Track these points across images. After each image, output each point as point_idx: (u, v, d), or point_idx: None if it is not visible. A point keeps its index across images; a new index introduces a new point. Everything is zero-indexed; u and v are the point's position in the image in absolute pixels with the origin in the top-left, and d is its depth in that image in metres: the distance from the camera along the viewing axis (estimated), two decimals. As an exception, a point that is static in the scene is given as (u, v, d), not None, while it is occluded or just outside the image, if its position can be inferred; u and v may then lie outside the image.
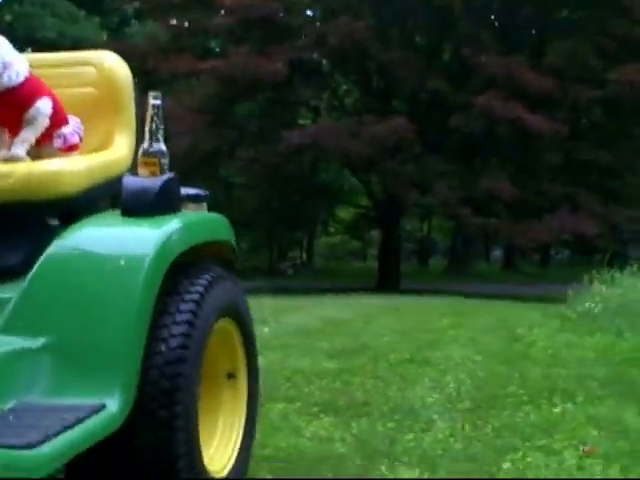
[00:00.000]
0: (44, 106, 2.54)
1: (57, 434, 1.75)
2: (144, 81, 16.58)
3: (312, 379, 4.91)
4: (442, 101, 20.19)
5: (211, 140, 20.04)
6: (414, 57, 20.58)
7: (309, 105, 23.62)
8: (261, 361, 5.38)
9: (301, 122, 23.30)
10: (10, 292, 2.18)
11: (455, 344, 6.91)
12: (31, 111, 2.52)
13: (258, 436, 3.34)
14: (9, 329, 2.10)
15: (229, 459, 2.62)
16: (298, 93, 21.31)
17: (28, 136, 2.52)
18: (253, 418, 2.81)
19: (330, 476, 2.56)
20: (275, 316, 9.50)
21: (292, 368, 5.37)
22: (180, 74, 20.95)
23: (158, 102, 2.45)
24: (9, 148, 2.52)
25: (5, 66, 2.45)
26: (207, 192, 2.71)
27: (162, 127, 2.46)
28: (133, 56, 18.37)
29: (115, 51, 2.93)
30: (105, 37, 23.09)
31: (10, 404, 1.91)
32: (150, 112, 2.44)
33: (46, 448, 1.69)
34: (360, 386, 4.70)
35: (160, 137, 2.45)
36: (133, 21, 25.19)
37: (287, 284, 20.70)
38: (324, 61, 22.81)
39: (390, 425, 3.72)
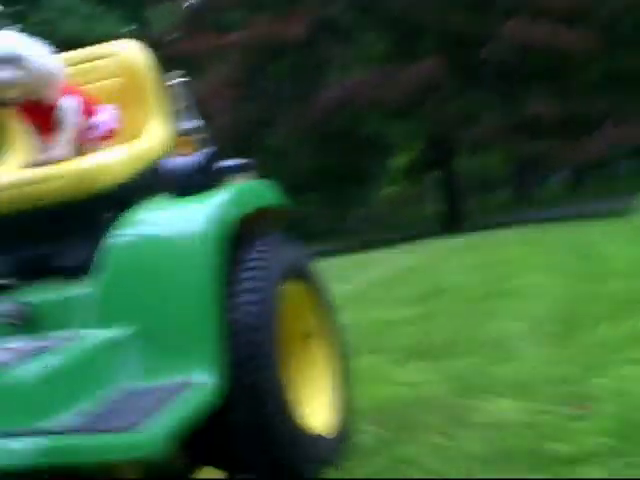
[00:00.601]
0: (70, 104, 2.56)
1: (159, 413, 1.79)
2: (170, 65, 16.62)
3: (394, 327, 4.92)
4: (468, 34, 19.69)
5: (249, 112, 20.08)
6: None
7: (337, 61, 23.42)
8: (343, 317, 5.47)
9: (332, 80, 23.13)
10: (84, 288, 2.24)
11: (531, 270, 6.81)
12: (58, 112, 2.54)
13: (352, 390, 3.38)
14: (92, 323, 2.16)
15: (329, 415, 2.63)
16: (324, 50, 21.11)
17: (64, 138, 2.54)
18: (345, 372, 2.82)
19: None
20: (349, 273, 9.56)
21: (374, 319, 5.39)
22: (203, 52, 20.94)
23: (178, 81, 2.45)
24: (46, 151, 2.55)
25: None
26: (253, 160, 2.71)
27: (189, 104, 2.46)
28: (155, 42, 18.54)
29: (139, 40, 2.94)
30: (127, 29, 23.19)
31: (109, 392, 1.98)
32: (173, 93, 2.44)
33: (153, 428, 1.73)
34: (442, 327, 4.68)
35: (190, 115, 2.45)
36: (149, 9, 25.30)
37: (354, 241, 20.74)
38: (346, 16, 22.50)
39: (477, 360, 3.69)
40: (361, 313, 5.79)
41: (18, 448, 1.45)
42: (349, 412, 2.78)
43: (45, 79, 2.48)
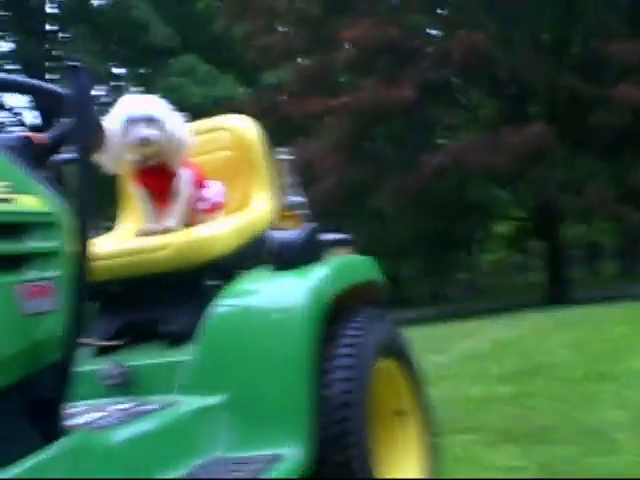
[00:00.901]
0: (186, 174, 2.69)
1: None
2: (281, 129, 17.02)
3: (488, 406, 4.82)
4: (578, 98, 19.37)
5: (354, 175, 20.26)
6: (542, 56, 19.91)
7: (444, 125, 23.43)
8: (436, 391, 5.40)
9: (439, 143, 23.12)
10: (184, 354, 2.31)
11: (635, 353, 6.56)
12: (176, 181, 2.67)
13: (441, 469, 3.32)
14: (188, 389, 2.23)
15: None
16: (430, 114, 21.19)
17: (178, 208, 2.67)
18: (434, 451, 2.80)
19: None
20: (445, 344, 9.44)
21: (467, 396, 5.30)
22: (313, 115, 21.33)
23: (287, 157, 2.55)
24: (158, 219, 2.68)
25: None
26: (352, 235, 2.76)
27: (295, 180, 2.54)
28: (267, 106, 19.05)
29: (252, 103, 3.06)
30: (241, 90, 23.94)
31: (198, 459, 2.01)
32: (281, 167, 2.54)
33: None
34: (538, 409, 4.55)
35: (295, 190, 2.54)
36: (264, 72, 26.16)
37: (454, 308, 20.48)
38: (452, 78, 22.57)
39: (574, 449, 3.56)
40: (455, 389, 5.71)
41: None
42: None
43: (177, 146, 2.61)
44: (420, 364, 2.88)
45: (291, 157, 2.57)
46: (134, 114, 2.55)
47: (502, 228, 30.48)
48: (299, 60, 24.11)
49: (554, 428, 4.01)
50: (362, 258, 2.79)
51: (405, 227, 25.10)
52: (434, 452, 2.81)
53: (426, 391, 2.86)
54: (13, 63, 25.15)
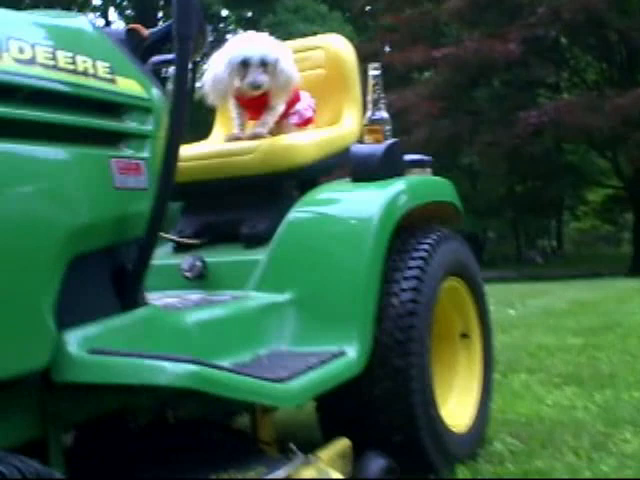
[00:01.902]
0: None
1: (303, 373, 1.94)
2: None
3: (556, 353, 4.86)
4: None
5: (448, 128, 20.04)
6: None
7: (547, 83, 22.84)
8: (505, 338, 5.47)
9: (541, 102, 22.56)
10: (260, 255, 2.42)
11: None
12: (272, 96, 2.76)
13: (499, 402, 3.39)
14: (260, 286, 2.34)
15: (467, 416, 2.70)
16: (534, 72, 20.69)
17: (269, 119, 2.77)
18: (489, 378, 2.87)
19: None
20: (521, 299, 9.43)
21: (536, 344, 5.34)
22: (414, 65, 21.11)
23: (377, 72, 2.61)
24: (251, 128, 2.79)
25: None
26: (430, 158, 2.82)
27: (383, 96, 2.61)
28: (370, 50, 18.91)
29: (355, 48, 3.12)
30: (348, 31, 23.80)
31: (263, 350, 2.14)
32: (371, 82, 2.61)
33: (294, 383, 1.88)
34: (606, 360, 4.56)
35: (382, 106, 2.61)
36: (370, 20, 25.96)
37: (536, 272, 20.21)
38: (560, 37, 21.92)
39: (635, 395, 3.58)
40: (526, 337, 5.75)
41: (174, 370, 1.58)
42: (487, 417, 2.84)
43: (285, 84, 2.69)
44: (492, 315, 2.94)
45: (379, 72, 2.63)
46: (248, 56, 2.62)
47: (594, 196, 29.70)
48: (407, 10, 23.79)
49: (619, 376, 4.02)
50: (440, 179, 2.85)
51: (495, 186, 24.76)
52: (489, 377, 2.87)
53: (489, 318, 2.92)
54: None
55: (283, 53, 2.69)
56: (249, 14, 26.36)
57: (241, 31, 25.49)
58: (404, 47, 21.00)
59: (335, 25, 23.32)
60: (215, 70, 2.67)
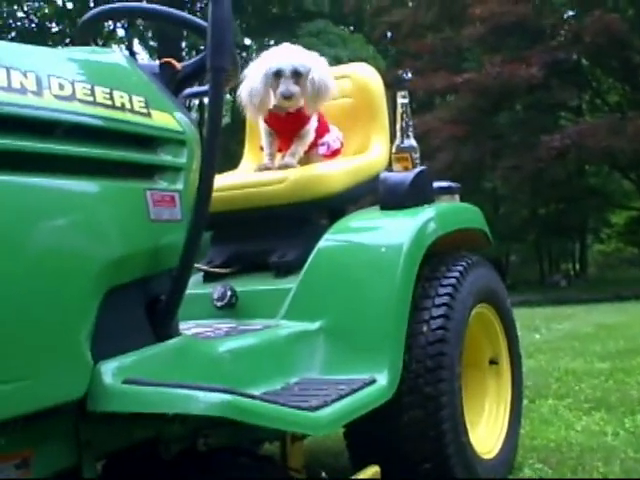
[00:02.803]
0: (313, 121, 2.82)
1: (334, 401, 1.94)
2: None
3: (583, 378, 4.83)
4: None
5: (471, 152, 20.04)
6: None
7: (569, 107, 22.80)
8: (531, 363, 5.43)
9: (563, 125, 22.50)
10: (290, 283, 2.44)
11: None
12: (306, 127, 2.80)
13: (527, 428, 3.38)
14: (291, 315, 2.36)
15: (496, 442, 2.70)
16: (556, 95, 20.67)
17: (299, 149, 2.80)
18: (518, 404, 2.87)
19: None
20: (546, 323, 9.37)
21: (563, 368, 5.32)
22: (437, 91, 21.18)
23: (406, 101, 2.65)
24: (281, 157, 2.82)
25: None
26: (459, 185, 2.84)
27: (411, 124, 2.64)
28: (391, 80, 18.98)
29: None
30: (371, 51, 23.86)
31: (295, 379, 2.15)
32: (400, 111, 2.64)
33: (326, 412, 1.88)
34: (635, 384, 4.52)
35: (410, 133, 2.64)
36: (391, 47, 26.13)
37: (560, 296, 20.04)
38: (582, 59, 21.89)
39: (667, 421, 3.57)
40: (552, 362, 5.72)
41: (207, 399, 1.58)
42: (516, 443, 2.84)
43: (319, 94, 2.70)
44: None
45: (407, 100, 2.66)
46: (281, 67, 2.66)
47: (618, 218, 29.50)
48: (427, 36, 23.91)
49: (649, 402, 4.00)
50: (468, 206, 2.87)
51: (517, 209, 24.67)
52: (518, 404, 2.87)
53: (518, 344, 2.92)
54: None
55: (317, 63, 2.72)
56: (271, 42, 26.60)
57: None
58: (426, 73, 21.08)
59: (357, 47, 23.38)
60: (251, 82, 2.70)
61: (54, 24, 25.52)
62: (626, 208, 26.42)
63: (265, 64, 2.70)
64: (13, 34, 23.92)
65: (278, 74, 2.66)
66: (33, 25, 25.39)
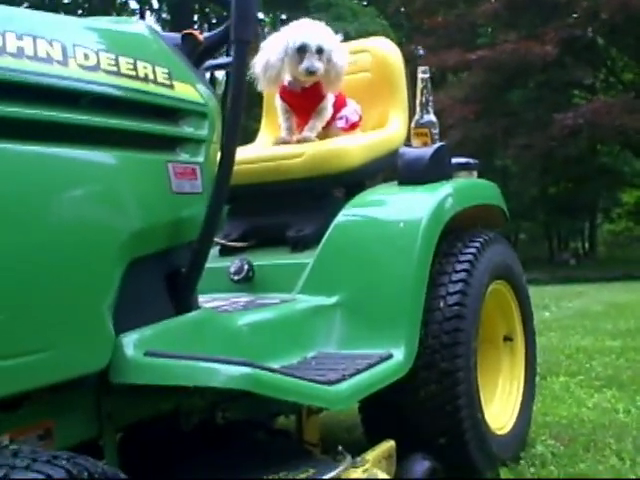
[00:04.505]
0: (330, 97, 2.81)
1: (351, 375, 1.95)
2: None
3: (594, 356, 4.84)
4: None
5: (482, 130, 19.91)
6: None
7: (583, 85, 22.62)
8: (542, 340, 5.44)
9: (576, 103, 22.31)
10: (307, 258, 2.44)
11: None
12: (323, 103, 2.78)
13: (540, 405, 3.40)
14: (308, 289, 2.36)
15: (510, 419, 2.71)
16: (570, 73, 20.49)
17: (317, 124, 2.79)
18: (532, 381, 2.88)
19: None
20: (555, 301, 9.37)
21: (574, 346, 5.33)
22: (450, 67, 21.00)
23: (427, 76, 2.63)
24: (297, 131, 2.81)
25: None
26: (477, 161, 2.82)
27: (431, 99, 2.62)
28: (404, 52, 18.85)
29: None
30: (381, 26, 23.60)
31: (312, 353, 2.16)
32: (420, 86, 2.62)
33: (344, 386, 1.89)
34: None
35: (430, 109, 2.62)
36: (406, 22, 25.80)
37: (569, 274, 20.00)
38: (597, 37, 21.64)
39: (679, 397, 3.58)
40: (563, 340, 5.73)
41: (227, 372, 1.59)
42: (530, 420, 2.85)
43: (337, 75, 2.70)
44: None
45: (428, 75, 2.64)
46: (306, 43, 2.64)
47: (628, 197, 29.35)
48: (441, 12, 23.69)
49: (661, 380, 4.00)
50: (486, 182, 2.86)
51: (527, 187, 24.55)
52: (532, 380, 2.88)
53: (533, 320, 2.92)
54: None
55: (337, 45, 2.71)
56: (284, 16, 26.38)
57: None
58: (438, 49, 20.91)
59: (367, 20, 23.12)
60: (268, 55, 2.68)
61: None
62: (637, 187, 26.27)
63: (286, 38, 2.68)
64: (25, 4, 23.80)
65: (302, 49, 2.65)
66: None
